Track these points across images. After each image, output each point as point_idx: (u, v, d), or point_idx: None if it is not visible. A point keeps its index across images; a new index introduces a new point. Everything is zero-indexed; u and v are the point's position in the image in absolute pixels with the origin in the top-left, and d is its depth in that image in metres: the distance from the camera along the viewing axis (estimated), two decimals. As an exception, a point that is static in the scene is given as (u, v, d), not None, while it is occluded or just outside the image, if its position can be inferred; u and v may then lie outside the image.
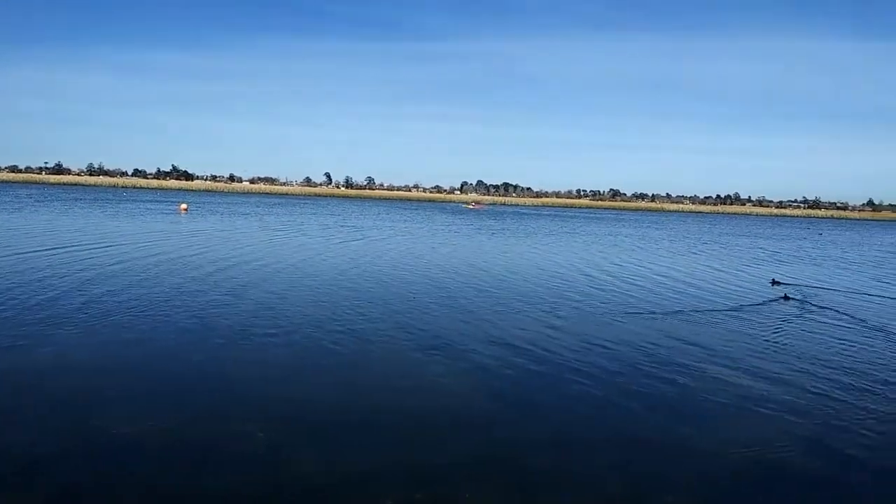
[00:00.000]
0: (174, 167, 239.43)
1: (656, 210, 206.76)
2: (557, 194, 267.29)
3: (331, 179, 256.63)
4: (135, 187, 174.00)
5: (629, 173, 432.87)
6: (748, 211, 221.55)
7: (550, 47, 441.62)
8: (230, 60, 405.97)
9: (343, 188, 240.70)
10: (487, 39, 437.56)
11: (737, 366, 12.66)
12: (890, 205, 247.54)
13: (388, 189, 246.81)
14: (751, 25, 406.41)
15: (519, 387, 10.83)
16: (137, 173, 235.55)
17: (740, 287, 25.03)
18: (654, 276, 27.30)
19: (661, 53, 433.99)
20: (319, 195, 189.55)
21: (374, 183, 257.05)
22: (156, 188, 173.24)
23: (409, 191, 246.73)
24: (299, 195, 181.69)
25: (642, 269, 30.57)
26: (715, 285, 25.29)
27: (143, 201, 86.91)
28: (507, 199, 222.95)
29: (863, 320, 18.48)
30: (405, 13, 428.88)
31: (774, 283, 26.83)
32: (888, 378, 12.23)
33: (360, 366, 11.73)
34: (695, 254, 42.02)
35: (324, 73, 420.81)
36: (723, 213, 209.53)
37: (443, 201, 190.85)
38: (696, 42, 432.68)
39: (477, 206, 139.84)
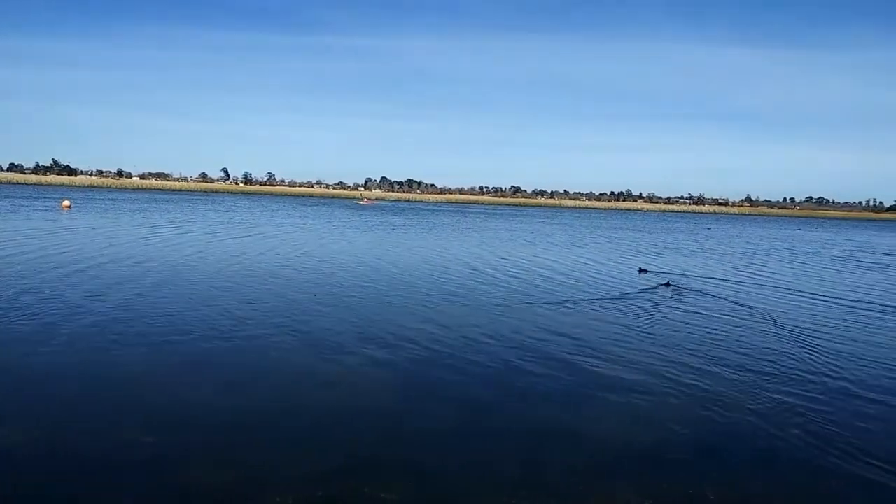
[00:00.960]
0: (55, 161, 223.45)
1: (555, 206, 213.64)
2: (461, 191, 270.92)
3: (228, 175, 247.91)
4: (10, 182, 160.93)
5: (530, 171, 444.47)
6: (639, 207, 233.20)
7: (450, 46, 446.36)
8: (111, 49, 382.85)
9: (242, 184, 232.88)
10: (388, 36, 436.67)
11: (617, 353, 13.23)
12: (766, 200, 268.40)
13: (289, 185, 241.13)
14: (638, 28, 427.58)
15: (412, 381, 10.88)
16: (14, 168, 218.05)
17: (617, 277, 26.31)
18: (540, 269, 28.13)
19: (556, 54, 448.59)
20: (217, 191, 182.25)
21: (274, 179, 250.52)
22: (34, 184, 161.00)
23: (312, 187, 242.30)
24: (194, 191, 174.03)
25: (531, 262, 31.43)
26: (595, 276, 26.43)
27: (21, 197, 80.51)
28: (412, 196, 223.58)
29: (733, 303, 19.94)
30: (304, 5, 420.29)
31: (641, 271, 28.61)
32: (756, 358, 13.20)
33: (246, 366, 11.35)
34: (578, 247, 43.68)
35: (220, 65, 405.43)
36: (616, 208, 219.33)
37: (346, 198, 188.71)
38: (590, 44, 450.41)
39: (368, 202, 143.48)
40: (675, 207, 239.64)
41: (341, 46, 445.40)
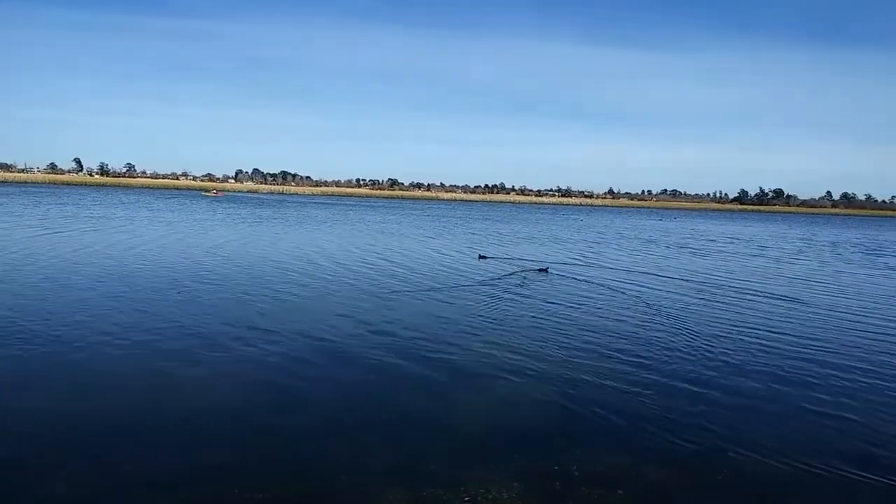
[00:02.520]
0: None
1: (431, 199, 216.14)
2: (338, 183, 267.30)
3: (81, 166, 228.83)
4: None
5: (407, 163, 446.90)
6: (512, 199, 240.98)
7: (327, 38, 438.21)
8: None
9: (97, 175, 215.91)
10: (252, 22, 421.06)
11: (479, 338, 13.60)
12: (626, 193, 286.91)
13: (151, 177, 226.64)
14: (504, 27, 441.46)
15: (276, 378, 10.65)
16: None
17: (475, 266, 26.91)
18: (404, 260, 28.47)
19: (431, 48, 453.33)
20: (68, 183, 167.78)
21: (134, 170, 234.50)
22: None
23: (177, 179, 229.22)
24: (41, 183, 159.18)
25: (397, 253, 31.59)
26: (454, 265, 26.98)
27: None
28: (286, 188, 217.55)
29: (596, 285, 20.97)
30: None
31: (481, 257, 30.06)
32: (612, 337, 13.98)
33: (100, 369, 10.69)
34: (439, 237, 44.69)
35: (66, 46, 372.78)
36: (490, 200, 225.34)
37: (216, 189, 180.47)
38: (463, 40, 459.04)
39: (217, 194, 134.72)
40: (544, 200, 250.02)
41: (207, 32, 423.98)
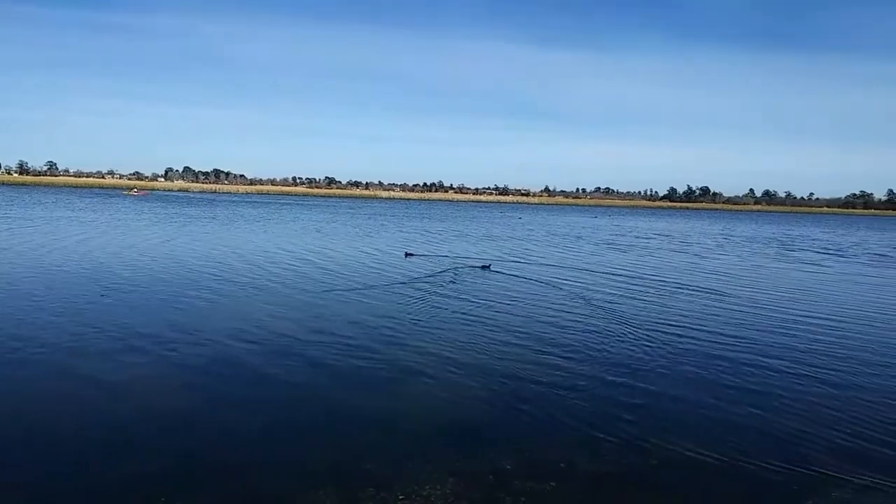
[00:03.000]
0: None
1: (370, 197, 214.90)
2: (273, 182, 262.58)
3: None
4: None
5: (344, 162, 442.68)
6: (450, 197, 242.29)
7: (261, 32, 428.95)
8: None
9: (15, 174, 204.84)
10: (184, 14, 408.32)
11: (413, 336, 13.62)
12: (561, 191, 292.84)
13: (74, 176, 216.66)
14: (448, 27, 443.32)
15: (208, 381, 10.42)
16: None
17: (415, 264, 26.87)
18: (336, 259, 28.25)
19: (371, 45, 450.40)
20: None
21: (56, 169, 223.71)
22: None
23: (103, 178, 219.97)
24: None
25: (329, 252, 31.31)
26: (388, 263, 26.93)
27: None
28: (219, 187, 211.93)
29: (531, 281, 21.30)
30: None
31: (408, 255, 30.41)
32: (545, 330, 14.20)
33: (19, 376, 10.17)
34: (364, 237, 44.60)
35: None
36: (428, 199, 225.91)
37: (145, 189, 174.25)
38: (403, 38, 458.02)
39: (140, 193, 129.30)
40: (482, 198, 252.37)
41: (135, 24, 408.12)
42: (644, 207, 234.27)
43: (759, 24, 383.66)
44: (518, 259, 32.04)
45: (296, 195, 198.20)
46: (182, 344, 12.57)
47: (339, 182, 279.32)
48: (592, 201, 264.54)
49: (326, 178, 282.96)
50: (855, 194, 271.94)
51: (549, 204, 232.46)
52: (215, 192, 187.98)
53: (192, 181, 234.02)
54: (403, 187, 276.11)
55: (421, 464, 7.63)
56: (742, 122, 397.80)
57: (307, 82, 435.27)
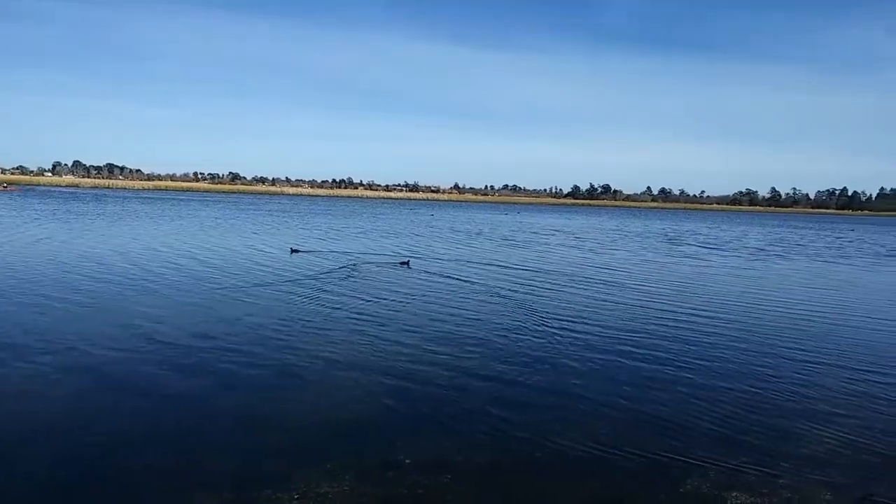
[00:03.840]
0: None
1: (276, 193, 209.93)
2: (172, 177, 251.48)
3: None
4: None
5: (250, 157, 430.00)
6: (360, 194, 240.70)
7: (159, 19, 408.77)
8: None
9: None
10: (99, 6, 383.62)
11: (308, 332, 13.50)
12: (471, 188, 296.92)
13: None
14: (364, 23, 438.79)
15: (94, 386, 9.97)
16: None
17: (311, 262, 26.62)
18: (214, 258, 27.62)
19: (275, 38, 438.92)
20: None
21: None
22: None
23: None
24: None
25: (207, 250, 30.55)
26: (277, 261, 26.44)
27: None
28: (113, 182, 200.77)
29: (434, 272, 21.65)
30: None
31: (293, 251, 30.38)
32: (444, 324, 14.40)
33: None
34: (266, 232, 43.73)
35: None
36: (338, 195, 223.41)
37: (29, 184, 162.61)
38: (314, 31, 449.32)
39: (8, 188, 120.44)
40: (392, 195, 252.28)
41: (23, 9, 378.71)
42: (550, 204, 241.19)
43: (658, 29, 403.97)
44: (417, 255, 32.33)
45: (197, 191, 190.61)
46: (46, 354, 11.80)
47: (244, 178, 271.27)
48: (501, 198, 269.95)
49: (230, 173, 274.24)
50: (742, 192, 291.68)
51: (458, 200, 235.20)
52: (109, 187, 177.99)
53: (84, 176, 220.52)
54: (312, 184, 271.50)
55: (317, 463, 7.62)
56: (640, 122, 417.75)
57: (210, 75, 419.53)
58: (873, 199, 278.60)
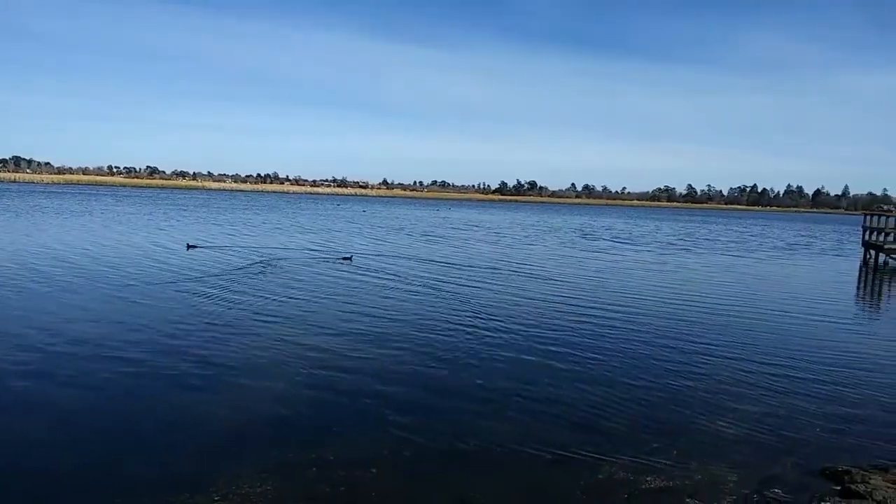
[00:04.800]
0: None
1: (196, 188, 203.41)
2: (85, 171, 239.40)
3: None
4: None
5: (171, 150, 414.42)
6: (286, 189, 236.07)
7: (61, 6, 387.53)
8: None
9: None
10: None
11: (220, 330, 13.28)
12: (399, 184, 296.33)
13: None
14: (278, 13, 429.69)
15: None
16: None
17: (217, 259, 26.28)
18: (110, 256, 26.83)
19: (188, 28, 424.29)
20: None
21: None
22: None
23: None
24: None
25: (102, 248, 29.63)
26: (186, 259, 26.14)
27: None
28: (20, 176, 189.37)
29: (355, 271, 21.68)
30: None
31: (190, 247, 29.93)
32: (361, 317, 14.45)
33: None
34: (174, 228, 42.79)
35: None
36: (262, 190, 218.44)
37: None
38: (227, 21, 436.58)
39: None
40: (319, 189, 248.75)
41: None
42: (478, 200, 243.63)
43: (578, 28, 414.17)
44: (333, 249, 31.93)
45: (111, 186, 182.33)
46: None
47: (163, 172, 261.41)
48: (430, 194, 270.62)
49: (148, 167, 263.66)
50: (660, 189, 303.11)
51: (387, 196, 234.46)
52: (14, 181, 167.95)
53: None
54: (235, 178, 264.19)
55: (238, 463, 7.52)
56: (565, 120, 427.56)
57: (121, 65, 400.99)
58: (780, 195, 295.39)
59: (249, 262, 25.93)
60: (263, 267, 24.52)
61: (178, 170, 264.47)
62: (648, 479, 7.63)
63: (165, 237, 35.84)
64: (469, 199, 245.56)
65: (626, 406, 10.22)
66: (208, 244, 31.72)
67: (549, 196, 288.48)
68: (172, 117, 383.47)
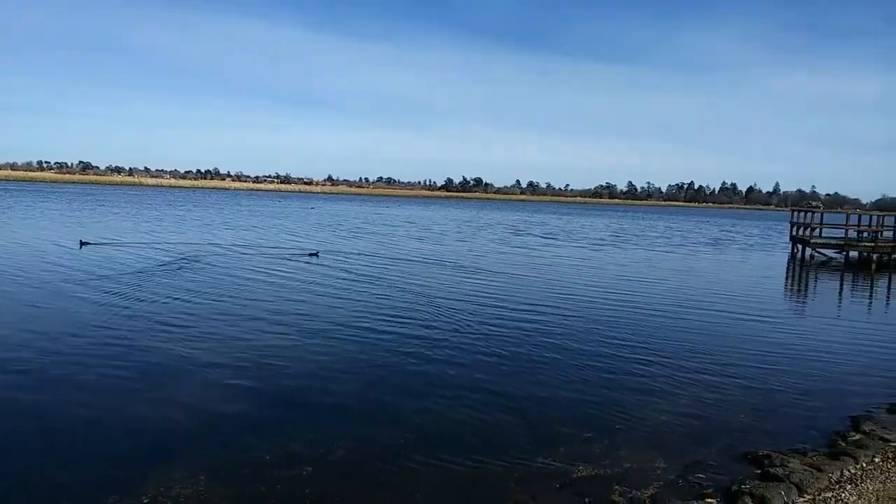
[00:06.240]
0: None
1: (133, 184, 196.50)
2: (14, 167, 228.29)
3: None
4: None
5: (106, 144, 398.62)
6: (227, 185, 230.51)
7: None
8: None
9: None
10: None
11: (141, 330, 12.97)
12: (345, 180, 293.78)
13: None
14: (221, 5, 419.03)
15: None
16: None
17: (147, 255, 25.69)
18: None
19: (118, 18, 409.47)
20: None
21: None
22: None
23: None
24: None
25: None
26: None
27: None
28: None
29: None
30: None
31: (82, 243, 28.87)
32: (288, 313, 14.31)
33: None
34: (74, 226, 41.56)
35: None
36: (202, 187, 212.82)
37: None
38: (161, 12, 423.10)
39: None
40: (262, 186, 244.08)
41: None
42: (424, 197, 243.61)
43: (525, 27, 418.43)
44: (248, 245, 31.65)
45: (39, 182, 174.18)
46: None
47: (97, 168, 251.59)
48: (375, 190, 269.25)
49: (81, 162, 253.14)
50: (602, 185, 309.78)
51: (332, 193, 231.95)
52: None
53: None
54: (174, 174, 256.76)
55: (168, 465, 7.36)
56: (512, 118, 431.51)
57: (41, 55, 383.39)
58: (716, 192, 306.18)
59: (156, 260, 25.07)
60: (180, 265, 23.91)
61: (114, 165, 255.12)
62: (580, 468, 7.83)
63: (62, 235, 33.85)
64: (415, 196, 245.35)
65: (560, 399, 10.42)
66: (107, 241, 30.37)
67: (494, 193, 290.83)
68: (104, 111, 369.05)
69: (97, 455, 7.69)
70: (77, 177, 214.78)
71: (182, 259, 25.62)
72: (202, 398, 9.67)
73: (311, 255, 28.16)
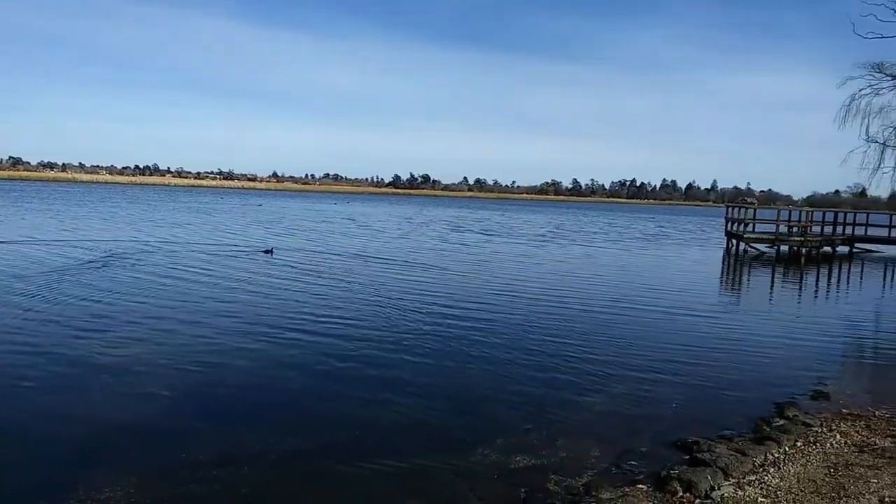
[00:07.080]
0: None
1: (66, 181, 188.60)
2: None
3: None
4: None
5: (39, 139, 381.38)
6: (167, 181, 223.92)
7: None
8: None
9: None
10: None
11: (80, 327, 12.56)
12: (290, 176, 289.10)
13: None
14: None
15: None
16: None
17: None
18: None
19: (60, 9, 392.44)
20: None
21: None
22: None
23: None
24: None
25: None
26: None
27: None
28: None
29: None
30: None
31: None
32: (228, 311, 14.14)
33: None
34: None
35: None
36: (141, 183, 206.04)
37: None
38: (109, 5, 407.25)
39: None
40: (204, 182, 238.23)
41: None
42: (371, 193, 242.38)
43: (472, 24, 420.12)
44: (178, 243, 31.12)
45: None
46: None
47: (28, 163, 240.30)
48: (322, 187, 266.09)
49: (11, 157, 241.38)
50: (548, 182, 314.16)
51: (277, 189, 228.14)
52: None
53: None
54: (111, 170, 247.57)
55: (98, 468, 7.15)
56: (460, 115, 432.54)
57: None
58: (657, 189, 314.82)
59: (77, 259, 24.05)
60: (104, 262, 23.21)
61: (45, 161, 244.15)
62: (518, 458, 7.99)
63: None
64: (362, 193, 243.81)
65: (498, 394, 10.54)
66: (23, 239, 29.13)
67: (441, 189, 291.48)
68: (35, 102, 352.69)
69: (17, 464, 7.37)
70: (7, 172, 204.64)
71: (107, 257, 24.72)
72: (128, 403, 9.36)
73: (266, 252, 27.66)
